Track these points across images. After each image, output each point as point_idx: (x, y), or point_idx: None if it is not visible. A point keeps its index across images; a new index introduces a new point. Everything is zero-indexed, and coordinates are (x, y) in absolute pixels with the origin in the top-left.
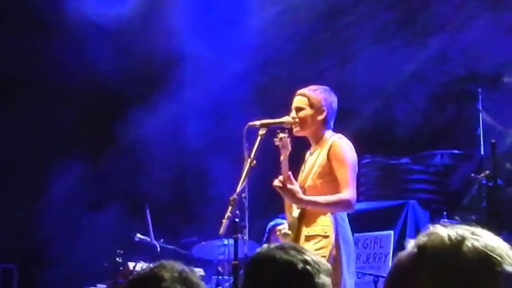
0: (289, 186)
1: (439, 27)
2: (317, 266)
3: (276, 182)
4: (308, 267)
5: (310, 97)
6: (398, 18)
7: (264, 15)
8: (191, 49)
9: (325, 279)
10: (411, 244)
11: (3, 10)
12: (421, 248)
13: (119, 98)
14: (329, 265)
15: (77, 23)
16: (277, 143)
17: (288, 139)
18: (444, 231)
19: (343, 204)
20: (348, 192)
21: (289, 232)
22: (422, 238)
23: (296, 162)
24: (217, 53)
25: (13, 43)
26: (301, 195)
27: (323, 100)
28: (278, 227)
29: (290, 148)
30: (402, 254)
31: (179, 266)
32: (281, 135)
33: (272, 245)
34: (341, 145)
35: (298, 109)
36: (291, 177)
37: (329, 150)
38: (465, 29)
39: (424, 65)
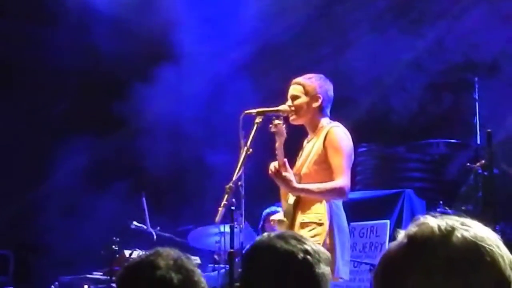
0: (283, 173)
1: (435, 16)
2: (317, 256)
3: (271, 167)
4: (308, 257)
5: (305, 85)
6: (395, 6)
7: (260, 3)
8: (187, 37)
9: (325, 268)
10: (401, 235)
11: None
12: (411, 238)
13: (115, 84)
14: (328, 254)
15: (73, 7)
16: (272, 130)
17: (284, 126)
18: (434, 221)
19: (337, 192)
20: (341, 180)
21: (284, 219)
22: (412, 228)
23: (294, 150)
24: (213, 41)
25: (9, 29)
26: (294, 183)
27: (318, 87)
28: (272, 217)
29: (285, 135)
30: (392, 244)
31: (174, 253)
32: (276, 121)
33: (272, 234)
34: (337, 133)
35: (294, 98)
36: (286, 164)
37: (325, 138)
38: (462, 17)
39: (421, 53)
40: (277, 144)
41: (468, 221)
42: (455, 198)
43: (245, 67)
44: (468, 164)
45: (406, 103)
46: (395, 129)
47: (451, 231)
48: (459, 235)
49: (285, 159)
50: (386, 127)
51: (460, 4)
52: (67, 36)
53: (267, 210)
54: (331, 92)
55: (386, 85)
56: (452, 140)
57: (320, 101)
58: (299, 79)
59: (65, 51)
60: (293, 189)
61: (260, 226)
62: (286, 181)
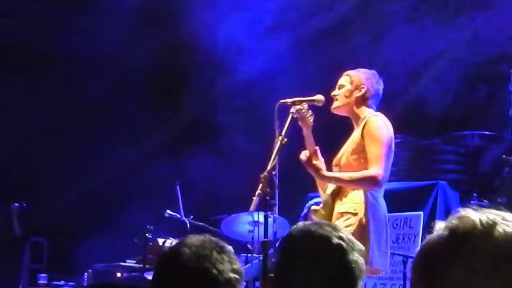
0: (313, 161)
1: (471, 7)
2: (351, 244)
3: (302, 156)
4: (342, 243)
5: (351, 75)
6: None
7: None
8: (224, 25)
9: (358, 257)
10: (440, 226)
11: None
12: (452, 231)
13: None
14: (362, 247)
15: None
16: (294, 116)
17: (309, 113)
18: (475, 215)
19: (368, 181)
20: (375, 169)
21: (318, 207)
22: (453, 221)
23: (340, 144)
24: (249, 31)
25: (40, 15)
26: (323, 171)
27: (364, 79)
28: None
29: (311, 122)
30: (432, 236)
31: (200, 241)
32: (298, 106)
33: (307, 222)
34: (375, 121)
35: (340, 87)
36: (318, 152)
37: (363, 126)
38: (497, 9)
39: (456, 45)
40: (304, 131)
41: (509, 215)
42: (489, 190)
43: (280, 56)
44: (504, 156)
45: (441, 95)
46: (430, 120)
47: (492, 225)
48: (501, 230)
49: (317, 147)
50: (421, 118)
51: None
52: (99, 22)
53: (313, 201)
54: (377, 86)
55: (421, 76)
56: (487, 132)
57: (363, 91)
58: (349, 71)
59: (98, 37)
60: (323, 177)
61: (303, 214)
62: (316, 169)
